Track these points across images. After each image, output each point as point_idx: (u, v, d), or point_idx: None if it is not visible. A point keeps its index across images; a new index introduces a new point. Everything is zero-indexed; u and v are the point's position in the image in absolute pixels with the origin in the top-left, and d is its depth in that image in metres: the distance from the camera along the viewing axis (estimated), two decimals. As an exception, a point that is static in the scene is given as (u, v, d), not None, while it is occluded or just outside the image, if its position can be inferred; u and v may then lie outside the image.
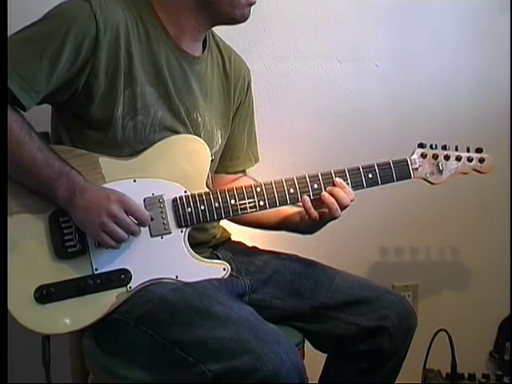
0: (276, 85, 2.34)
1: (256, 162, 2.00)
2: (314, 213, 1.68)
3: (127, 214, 1.52)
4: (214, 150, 1.77)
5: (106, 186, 1.56)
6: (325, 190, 1.69)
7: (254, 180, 1.91)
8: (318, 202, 1.69)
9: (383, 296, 1.73)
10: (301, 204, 1.70)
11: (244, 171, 1.98)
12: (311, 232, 1.78)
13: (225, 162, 1.91)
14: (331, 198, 1.68)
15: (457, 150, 1.81)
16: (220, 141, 1.82)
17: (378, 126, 2.44)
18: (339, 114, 2.41)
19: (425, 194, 2.27)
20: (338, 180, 1.70)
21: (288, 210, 1.79)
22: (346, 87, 2.40)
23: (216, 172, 1.87)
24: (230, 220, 1.89)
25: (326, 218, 1.70)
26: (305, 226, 1.76)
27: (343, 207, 1.68)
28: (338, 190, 1.68)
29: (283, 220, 1.81)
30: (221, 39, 1.88)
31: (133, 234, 1.54)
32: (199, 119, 1.73)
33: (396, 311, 1.71)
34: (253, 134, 1.99)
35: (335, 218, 1.69)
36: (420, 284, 2.54)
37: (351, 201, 1.69)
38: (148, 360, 1.53)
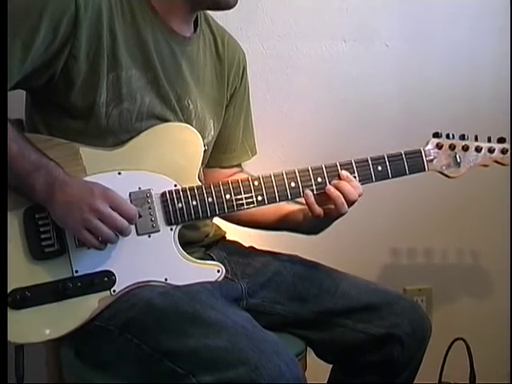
0: (275, 67, 2.35)
1: (253, 155, 2.00)
2: (318, 209, 1.68)
3: (113, 210, 1.52)
4: (206, 140, 1.77)
5: (87, 179, 1.56)
6: (330, 184, 1.69)
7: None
8: (323, 196, 1.69)
9: (394, 301, 1.74)
10: (303, 200, 1.70)
11: (240, 165, 1.98)
12: (315, 232, 1.79)
13: (219, 155, 1.91)
14: (337, 192, 1.67)
15: (476, 139, 1.80)
16: (213, 131, 1.82)
17: (387, 114, 2.45)
18: (345, 100, 2.41)
19: (440, 190, 2.29)
20: (344, 173, 1.70)
21: (289, 207, 1.80)
22: (352, 70, 2.41)
23: (209, 166, 1.88)
24: (223, 218, 1.90)
25: (331, 215, 1.70)
26: (308, 224, 1.76)
27: (350, 203, 1.68)
28: (344, 184, 1.68)
29: (283, 218, 1.81)
30: (213, 19, 1.88)
31: (121, 232, 1.53)
32: (191, 106, 1.73)
33: (408, 318, 1.71)
34: (249, 123, 1.99)
35: (341, 214, 1.69)
36: (434, 288, 2.55)
37: (359, 195, 1.69)
38: (134, 372, 1.53)
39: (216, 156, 1.90)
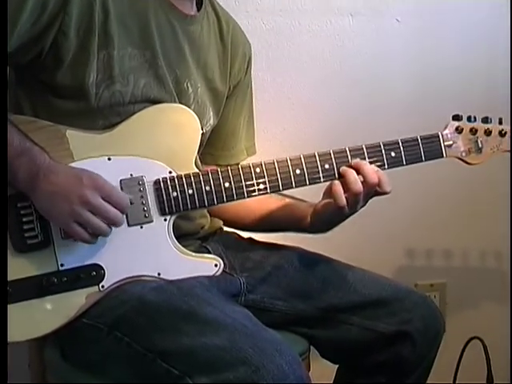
0: (276, 44, 2.35)
1: (252, 154, 2.00)
2: (344, 200, 1.64)
3: (104, 200, 1.51)
4: (204, 129, 1.77)
5: (74, 165, 1.56)
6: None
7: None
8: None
9: (404, 296, 1.75)
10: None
11: (237, 164, 1.98)
12: (325, 229, 1.78)
13: (216, 151, 1.93)
14: (354, 174, 1.65)
15: (501, 122, 1.79)
16: (212, 120, 1.82)
17: (400, 95, 2.45)
18: (352, 81, 2.42)
19: (459, 177, 2.28)
20: (357, 161, 1.68)
21: (289, 203, 1.81)
22: (360, 47, 2.42)
23: (205, 163, 1.88)
24: (212, 214, 1.90)
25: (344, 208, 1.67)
26: (319, 220, 1.75)
27: (369, 188, 1.65)
28: (364, 163, 1.67)
29: (287, 215, 1.83)
30: (220, 5, 1.88)
31: (114, 223, 1.53)
32: (190, 90, 1.74)
33: (420, 314, 1.73)
34: (251, 121, 2.00)
35: (356, 206, 1.66)
36: (448, 283, 2.57)
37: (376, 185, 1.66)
38: (124, 373, 1.54)
39: (213, 152, 1.92)
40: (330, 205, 1.69)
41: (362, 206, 1.68)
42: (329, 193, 1.68)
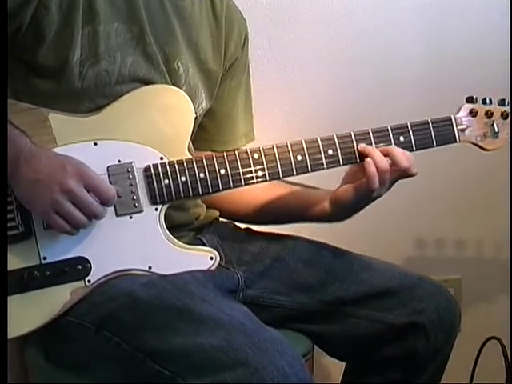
0: (276, 20, 2.36)
1: (250, 140, 2.01)
2: (377, 181, 1.66)
3: (87, 191, 1.52)
4: (196, 112, 1.77)
5: (58, 150, 1.56)
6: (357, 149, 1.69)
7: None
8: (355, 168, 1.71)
9: (417, 285, 1.77)
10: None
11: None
12: (343, 216, 1.79)
13: (210, 136, 1.94)
14: (384, 161, 1.67)
15: None
16: (204, 103, 1.83)
17: (410, 74, 2.46)
18: (359, 59, 2.42)
19: (476, 169, 2.29)
20: (363, 146, 1.70)
21: (300, 189, 1.83)
22: (368, 21, 2.42)
23: (197, 149, 1.88)
24: (208, 203, 1.91)
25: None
26: (339, 207, 1.76)
27: (403, 172, 1.68)
28: (392, 148, 1.68)
29: (299, 202, 1.84)
30: None
31: (95, 216, 1.55)
32: (180, 70, 1.74)
33: (434, 304, 1.74)
34: (249, 103, 2.01)
35: (385, 183, 1.68)
36: (464, 278, 2.58)
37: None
38: (113, 375, 1.55)
39: (207, 137, 1.92)
40: (357, 189, 1.71)
41: (387, 190, 1.70)
42: (352, 176, 1.71)
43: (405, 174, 1.68)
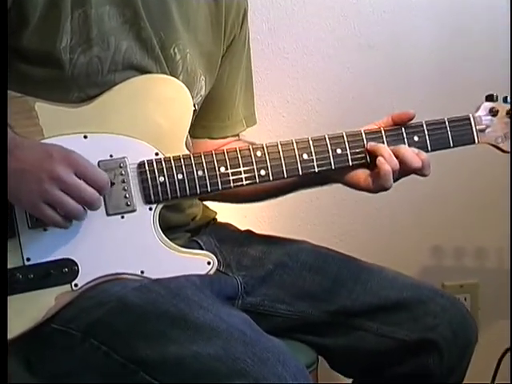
0: (277, 1, 2.36)
1: (252, 124, 2.02)
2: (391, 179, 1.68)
3: (78, 178, 1.52)
4: (194, 100, 1.77)
5: (45, 142, 1.57)
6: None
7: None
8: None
9: (430, 298, 1.77)
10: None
11: (236, 135, 2.00)
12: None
13: (209, 122, 1.94)
14: (394, 159, 1.69)
15: None
16: (203, 90, 1.83)
17: (424, 64, 2.46)
18: (369, 45, 2.43)
19: (493, 166, 2.29)
20: (372, 144, 1.72)
21: None
22: (378, 3, 2.42)
23: (195, 137, 1.89)
24: (212, 199, 1.93)
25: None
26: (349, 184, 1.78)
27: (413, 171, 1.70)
28: (402, 147, 1.70)
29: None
30: None
31: (90, 205, 1.54)
32: (177, 56, 1.75)
33: (448, 319, 1.75)
34: (250, 84, 2.01)
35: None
36: (481, 283, 2.59)
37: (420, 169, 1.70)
38: (102, 387, 1.56)
39: (205, 123, 1.93)
40: (366, 179, 1.73)
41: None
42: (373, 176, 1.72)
43: (415, 173, 1.71)
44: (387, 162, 1.67)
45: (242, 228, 1.96)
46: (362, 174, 1.73)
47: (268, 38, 2.35)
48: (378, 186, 1.70)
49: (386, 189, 1.69)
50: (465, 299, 2.54)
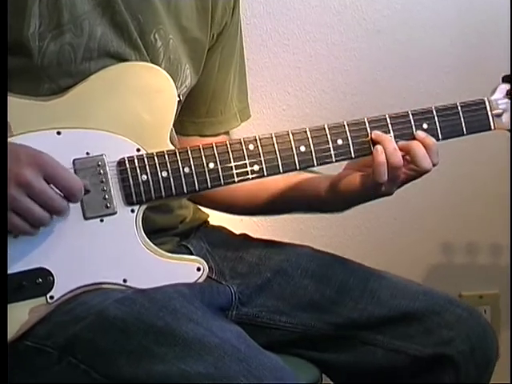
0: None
1: (246, 118, 2.02)
2: (386, 175, 1.66)
3: (48, 183, 1.51)
4: (178, 91, 1.76)
5: (13, 140, 1.56)
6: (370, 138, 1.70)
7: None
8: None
9: (445, 308, 1.76)
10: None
11: (228, 133, 2.00)
12: (340, 208, 1.80)
13: (198, 118, 1.94)
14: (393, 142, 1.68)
15: None
16: (189, 80, 1.83)
17: (436, 49, 2.46)
18: (376, 31, 2.43)
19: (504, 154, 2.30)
20: (376, 133, 1.70)
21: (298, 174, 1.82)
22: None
23: (184, 134, 1.90)
24: (195, 201, 1.92)
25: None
26: (337, 197, 1.76)
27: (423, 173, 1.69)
28: (417, 144, 1.68)
29: (293, 188, 1.83)
30: None
31: (57, 212, 1.54)
32: (158, 43, 1.74)
33: (465, 332, 1.74)
34: (243, 76, 2.01)
35: (396, 180, 1.68)
36: (503, 294, 2.58)
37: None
38: (80, 409, 1.55)
39: (195, 119, 1.93)
40: (364, 178, 1.70)
41: (399, 187, 1.70)
42: (361, 165, 1.71)
43: (422, 174, 1.69)
44: (388, 154, 1.65)
45: (238, 232, 1.96)
46: (356, 176, 1.72)
47: (266, 22, 2.35)
48: (372, 184, 1.68)
49: (379, 184, 1.66)
50: (484, 311, 2.54)
